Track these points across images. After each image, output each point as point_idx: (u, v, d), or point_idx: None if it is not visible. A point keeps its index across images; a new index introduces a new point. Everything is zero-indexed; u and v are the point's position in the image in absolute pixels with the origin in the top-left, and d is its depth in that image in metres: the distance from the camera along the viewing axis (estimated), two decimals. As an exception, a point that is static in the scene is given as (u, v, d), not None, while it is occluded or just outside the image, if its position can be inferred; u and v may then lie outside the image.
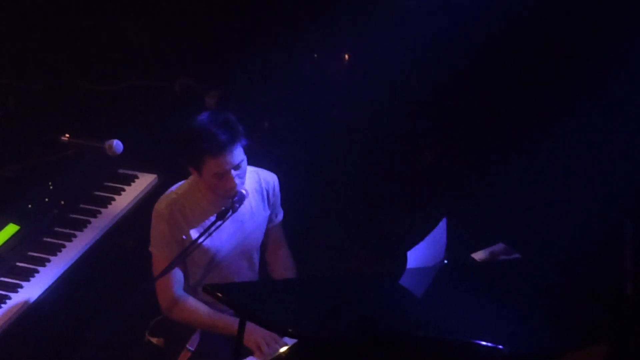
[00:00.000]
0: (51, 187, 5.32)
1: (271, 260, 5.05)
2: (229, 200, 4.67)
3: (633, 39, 5.24)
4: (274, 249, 5.04)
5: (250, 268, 4.96)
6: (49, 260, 5.05)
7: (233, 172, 4.60)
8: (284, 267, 5.04)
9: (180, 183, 4.84)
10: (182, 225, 4.73)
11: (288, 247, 5.06)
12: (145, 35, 6.09)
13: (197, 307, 4.78)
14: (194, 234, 4.73)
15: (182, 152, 4.64)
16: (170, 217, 4.72)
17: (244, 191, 4.68)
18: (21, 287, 4.89)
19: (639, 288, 4.56)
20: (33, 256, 5.06)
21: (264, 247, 5.00)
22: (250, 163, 4.72)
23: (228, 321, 4.73)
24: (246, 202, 4.74)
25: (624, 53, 5.27)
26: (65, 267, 5.04)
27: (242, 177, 4.66)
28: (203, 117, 4.61)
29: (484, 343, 4.07)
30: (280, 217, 5.00)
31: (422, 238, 4.69)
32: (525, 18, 5.50)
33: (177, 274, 4.78)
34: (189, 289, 4.84)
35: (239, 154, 4.60)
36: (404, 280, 4.59)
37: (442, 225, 4.69)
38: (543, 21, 5.52)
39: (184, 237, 4.74)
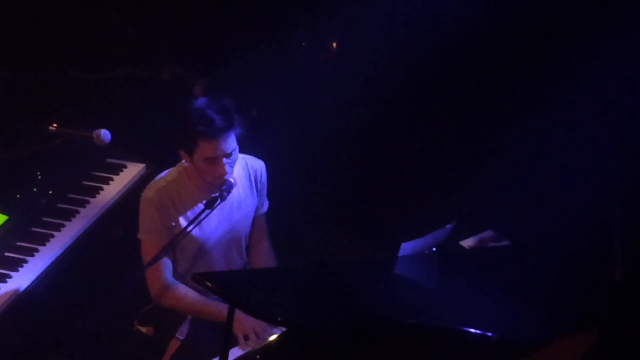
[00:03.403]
0: (39, 177, 5.31)
1: (253, 251, 5.05)
2: (217, 188, 4.67)
3: (625, 33, 5.25)
4: (256, 240, 5.04)
5: (239, 255, 4.96)
6: (37, 250, 5.04)
7: (224, 159, 4.61)
8: (264, 259, 5.04)
9: (168, 170, 4.84)
10: (171, 212, 4.74)
11: (270, 239, 5.06)
12: (133, 24, 6.08)
13: (187, 293, 4.78)
14: (182, 221, 4.73)
15: (176, 133, 4.64)
16: (159, 203, 4.72)
17: (232, 180, 4.68)
18: (10, 277, 4.88)
19: (627, 274, 4.56)
20: (22, 246, 5.05)
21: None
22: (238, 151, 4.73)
23: (218, 307, 4.72)
24: (234, 190, 4.74)
25: (615, 45, 5.28)
26: (54, 257, 5.04)
27: (232, 165, 4.66)
28: (201, 100, 4.62)
29: (473, 330, 4.07)
30: (265, 207, 5.00)
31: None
32: (515, 6, 5.51)
33: (167, 261, 4.79)
34: (178, 276, 4.83)
35: (232, 142, 4.61)
36: (394, 269, 4.59)
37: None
38: (535, 8, 5.52)
39: (172, 223, 4.74)
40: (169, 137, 4.73)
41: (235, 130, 4.61)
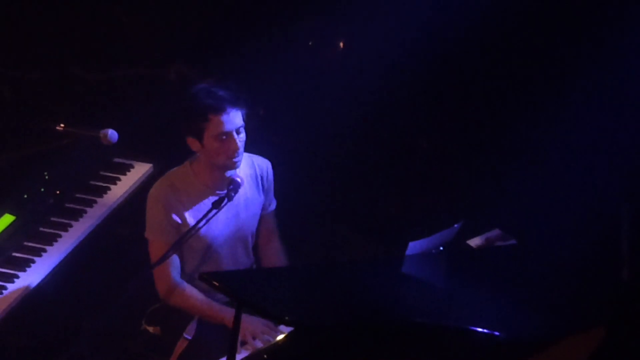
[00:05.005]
0: (47, 177, 5.32)
1: (263, 250, 5.06)
2: (223, 183, 4.71)
3: (628, 35, 5.24)
4: (266, 239, 5.04)
5: (246, 254, 4.97)
6: (45, 250, 5.04)
7: (235, 135, 4.62)
8: (275, 258, 5.04)
9: (174, 168, 4.85)
10: (178, 209, 4.74)
11: (280, 237, 5.06)
12: (140, 23, 6.08)
13: (193, 294, 4.78)
14: (189, 217, 4.74)
15: (185, 113, 4.66)
16: (166, 200, 4.73)
17: (239, 179, 4.69)
18: (17, 277, 4.88)
19: (635, 273, 4.55)
20: (29, 246, 5.05)
21: (256, 235, 5.00)
22: (245, 150, 4.74)
23: (223, 310, 4.74)
24: (241, 190, 4.75)
25: (619, 46, 5.28)
26: (62, 257, 5.04)
27: (242, 144, 4.68)
28: (204, 83, 4.68)
29: (480, 329, 4.07)
30: (273, 205, 5.01)
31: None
32: (522, 7, 5.51)
33: (175, 260, 4.79)
34: (185, 276, 4.84)
35: (240, 118, 4.65)
36: (401, 268, 4.59)
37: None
38: (541, 9, 5.52)
39: (179, 220, 4.74)
40: (177, 124, 4.72)
41: (242, 109, 4.65)
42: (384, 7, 5.77)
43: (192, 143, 4.69)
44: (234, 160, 4.67)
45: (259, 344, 4.62)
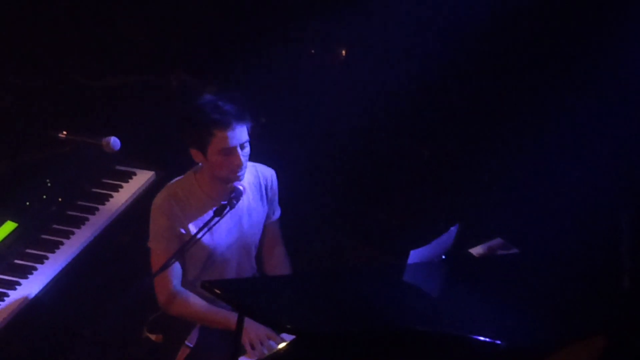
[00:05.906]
0: (49, 184, 5.32)
1: (267, 257, 5.06)
2: (226, 194, 4.69)
3: (628, 36, 5.25)
4: (269, 247, 5.04)
5: (249, 263, 4.97)
6: (47, 258, 5.05)
7: (239, 150, 4.62)
8: (279, 265, 5.04)
9: (178, 178, 4.85)
10: (181, 219, 4.74)
11: (284, 245, 5.06)
12: (142, 31, 6.09)
13: (194, 301, 4.78)
14: (192, 227, 4.74)
15: (190, 127, 4.65)
16: (169, 210, 4.73)
17: (241, 187, 4.69)
18: (19, 284, 4.89)
19: (635, 281, 4.56)
20: (31, 253, 5.06)
21: (260, 243, 5.00)
22: (249, 159, 4.74)
23: (226, 315, 4.72)
24: (244, 198, 4.75)
25: (619, 48, 5.28)
26: (64, 264, 5.05)
27: (246, 159, 4.67)
28: (211, 95, 4.66)
29: (481, 338, 4.07)
30: (277, 214, 5.01)
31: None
32: (522, 11, 5.51)
33: (176, 269, 4.78)
34: (187, 284, 4.84)
35: (245, 134, 4.63)
36: (403, 276, 4.60)
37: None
38: (539, 16, 5.53)
39: (182, 231, 4.74)
40: (181, 135, 4.71)
41: (247, 123, 4.64)
42: (386, 16, 5.77)
43: (196, 155, 4.69)
44: (238, 174, 4.66)
45: (264, 350, 4.62)
